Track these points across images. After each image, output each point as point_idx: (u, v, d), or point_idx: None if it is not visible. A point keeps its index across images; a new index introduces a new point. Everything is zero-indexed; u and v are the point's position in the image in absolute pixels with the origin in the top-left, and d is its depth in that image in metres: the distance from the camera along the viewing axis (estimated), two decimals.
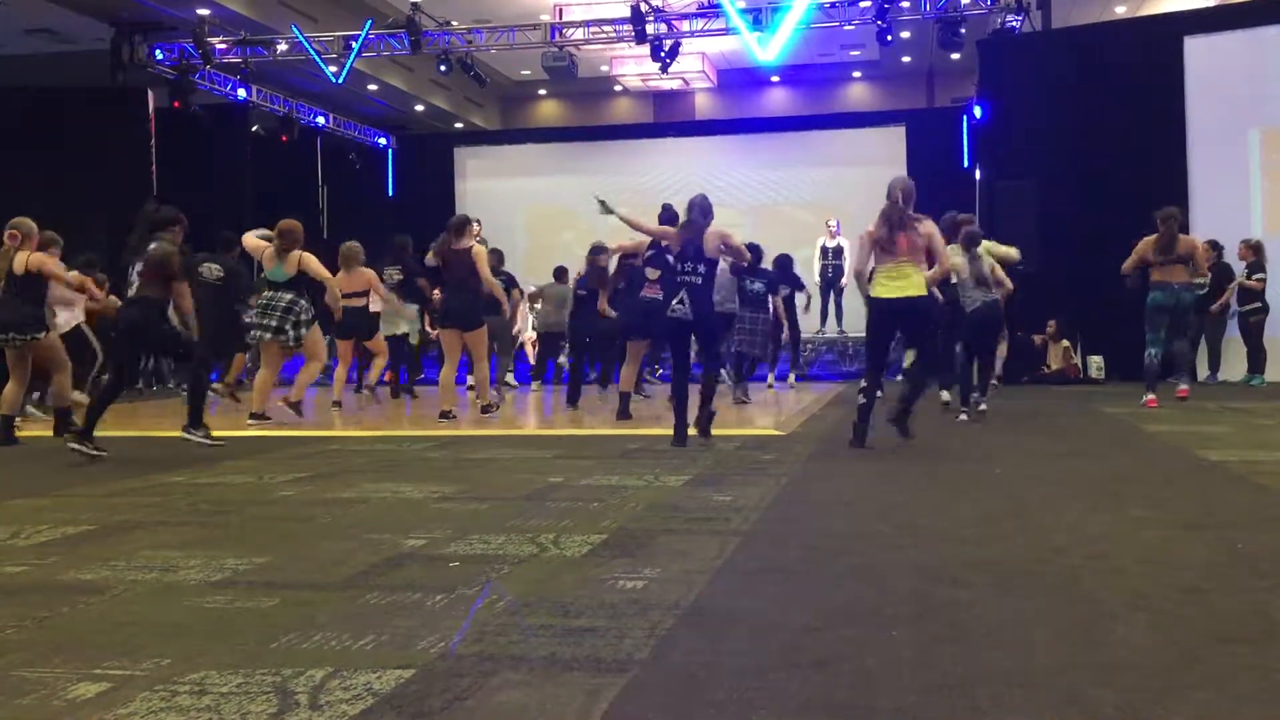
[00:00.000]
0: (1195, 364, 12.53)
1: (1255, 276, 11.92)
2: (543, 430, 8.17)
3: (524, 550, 3.84)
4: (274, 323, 8.52)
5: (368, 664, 2.58)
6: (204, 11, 15.70)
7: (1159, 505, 4.61)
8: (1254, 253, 11.95)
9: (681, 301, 6.90)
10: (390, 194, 20.00)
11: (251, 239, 8.92)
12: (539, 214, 19.09)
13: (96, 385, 9.93)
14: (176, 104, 16.10)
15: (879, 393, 7.08)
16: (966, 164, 16.67)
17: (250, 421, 8.62)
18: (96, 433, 6.80)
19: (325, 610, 3.08)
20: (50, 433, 8.20)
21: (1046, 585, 3.25)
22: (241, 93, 16.84)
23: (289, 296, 8.56)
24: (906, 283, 6.61)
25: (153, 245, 7.04)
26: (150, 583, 3.48)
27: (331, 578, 3.49)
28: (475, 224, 13.22)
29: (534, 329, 13.46)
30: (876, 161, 18.23)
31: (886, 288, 6.65)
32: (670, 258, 7.14)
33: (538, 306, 12.70)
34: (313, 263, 8.62)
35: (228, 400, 10.28)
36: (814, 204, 18.14)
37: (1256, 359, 12.00)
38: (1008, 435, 7.59)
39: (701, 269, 6.97)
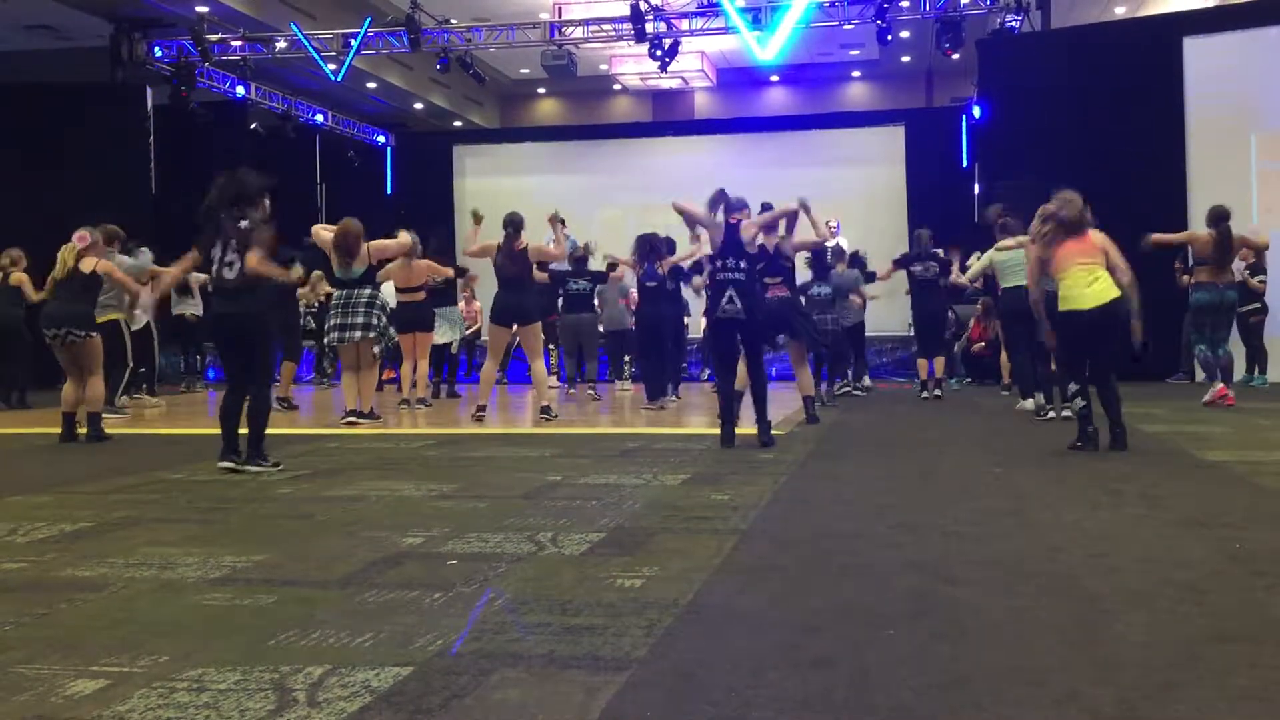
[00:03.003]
0: (1194, 364, 12.54)
1: (1258, 278, 11.92)
2: (541, 429, 8.17)
3: (522, 549, 3.84)
4: (360, 319, 8.48)
5: (366, 662, 2.58)
6: (203, 9, 15.68)
7: (1158, 504, 4.61)
8: (1254, 253, 11.95)
9: (731, 301, 6.77)
10: (389, 192, 19.97)
11: (322, 232, 8.80)
12: (538, 212, 19.07)
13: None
14: (185, 93, 16.06)
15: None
16: (965, 164, 16.67)
17: (363, 421, 8.61)
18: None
19: (323, 608, 3.08)
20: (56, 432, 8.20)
21: (1045, 583, 3.25)
22: (240, 90, 16.83)
23: (368, 292, 8.56)
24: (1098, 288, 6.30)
25: (244, 223, 5.94)
26: (149, 580, 3.48)
27: (330, 575, 3.49)
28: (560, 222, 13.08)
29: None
30: (876, 161, 18.26)
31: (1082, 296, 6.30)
32: (708, 260, 7.00)
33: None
34: (381, 247, 8.77)
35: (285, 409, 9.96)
36: (813, 203, 18.12)
37: (1258, 359, 12.00)
38: (1006, 434, 7.59)
39: (743, 264, 6.85)
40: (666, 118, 23.80)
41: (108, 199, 13.53)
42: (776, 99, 24.38)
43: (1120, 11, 18.54)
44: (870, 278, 11.73)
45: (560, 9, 17.28)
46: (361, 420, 8.62)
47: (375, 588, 3.31)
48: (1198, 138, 12.97)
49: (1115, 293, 6.25)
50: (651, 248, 10.09)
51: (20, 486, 5.59)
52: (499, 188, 19.32)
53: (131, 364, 9.93)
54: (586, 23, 16.29)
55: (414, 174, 19.83)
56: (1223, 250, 9.07)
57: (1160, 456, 6.29)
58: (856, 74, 24.01)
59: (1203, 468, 5.73)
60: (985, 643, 2.66)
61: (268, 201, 6.17)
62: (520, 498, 4.97)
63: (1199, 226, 12.49)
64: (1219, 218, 9.06)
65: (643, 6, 15.01)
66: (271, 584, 3.38)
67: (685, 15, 15.72)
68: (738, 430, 6.89)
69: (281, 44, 16.38)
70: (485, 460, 6.41)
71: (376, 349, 8.91)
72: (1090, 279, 6.28)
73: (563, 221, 12.63)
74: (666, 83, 22.15)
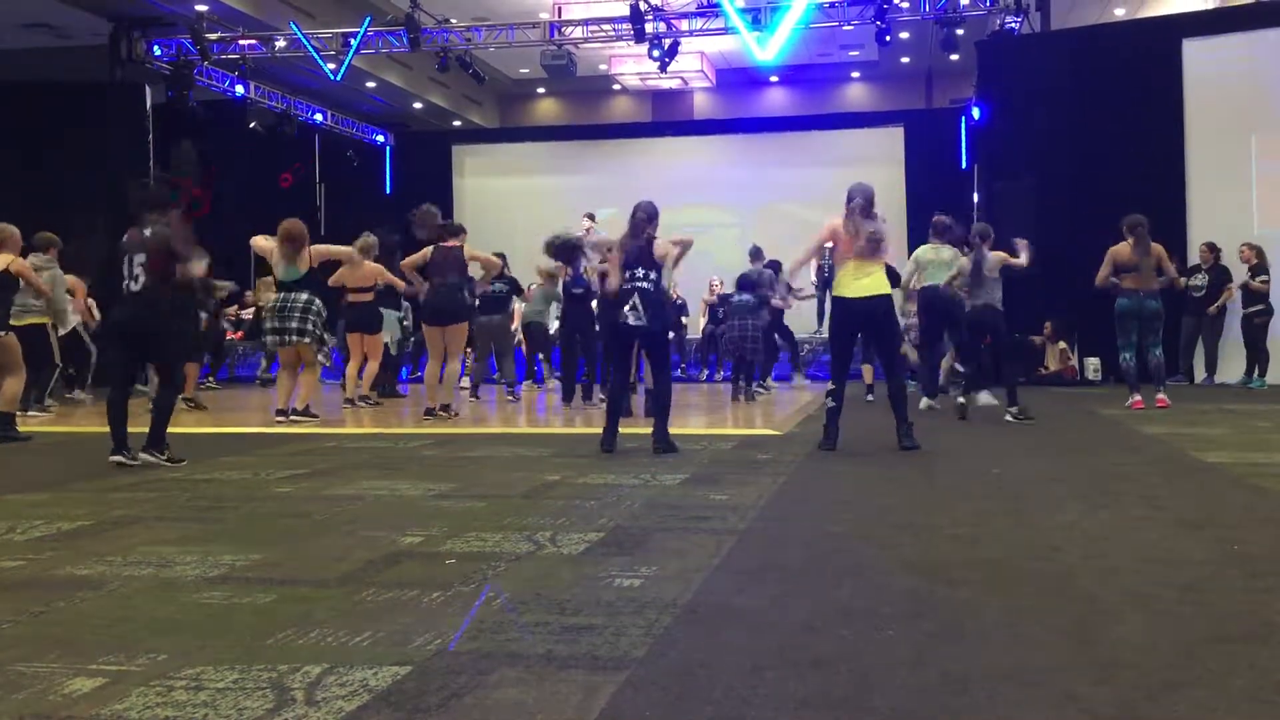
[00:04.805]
0: (1193, 366, 12.54)
1: (1259, 279, 11.92)
2: (539, 428, 8.16)
3: (521, 548, 3.84)
4: (294, 324, 8.47)
5: (364, 660, 2.58)
6: (202, 7, 15.69)
7: (1156, 505, 4.61)
8: (1256, 255, 11.96)
9: (634, 308, 6.69)
10: (388, 191, 19.98)
11: (260, 241, 8.87)
12: (537, 212, 19.10)
13: (62, 386, 9.94)
14: (184, 93, 16.06)
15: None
16: (965, 165, 16.68)
17: (279, 419, 8.58)
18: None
19: (322, 606, 3.08)
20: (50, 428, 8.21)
21: (1043, 584, 3.25)
22: (240, 89, 16.82)
23: (305, 296, 8.55)
24: (870, 281, 6.53)
25: (149, 231, 6.20)
26: (147, 578, 3.47)
27: (328, 574, 3.48)
28: (587, 218, 13.24)
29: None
30: (875, 162, 18.25)
31: (851, 286, 6.55)
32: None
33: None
34: (322, 249, 8.72)
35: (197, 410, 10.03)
36: (812, 204, 18.08)
37: (1259, 361, 12.00)
38: (1005, 435, 7.59)
39: (653, 275, 6.77)
40: (666, 118, 23.83)
41: (106, 199, 13.53)
42: (776, 99, 24.39)
43: (1120, 13, 18.56)
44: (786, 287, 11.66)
45: (560, 9, 17.29)
46: (297, 418, 8.58)
47: (373, 587, 3.31)
48: (1197, 139, 12.98)
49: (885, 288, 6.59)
50: (570, 256, 10.01)
51: (18, 484, 5.58)
52: (498, 187, 19.37)
53: (60, 364, 9.91)
54: (586, 23, 16.30)
55: (413, 174, 19.84)
56: (1141, 255, 8.99)
57: (1159, 458, 6.29)
58: (856, 75, 24.03)
59: (1202, 469, 5.73)
60: (984, 643, 2.66)
61: (174, 211, 6.37)
62: (519, 497, 4.97)
63: (1197, 227, 12.55)
64: (1135, 225, 9.03)
65: (642, 6, 15.02)
66: (270, 583, 3.38)
67: (685, 15, 15.72)
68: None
69: (281, 43, 16.39)
70: (484, 459, 6.41)
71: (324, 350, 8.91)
72: (863, 271, 6.54)
73: (592, 217, 12.79)
74: (666, 83, 22.17)
